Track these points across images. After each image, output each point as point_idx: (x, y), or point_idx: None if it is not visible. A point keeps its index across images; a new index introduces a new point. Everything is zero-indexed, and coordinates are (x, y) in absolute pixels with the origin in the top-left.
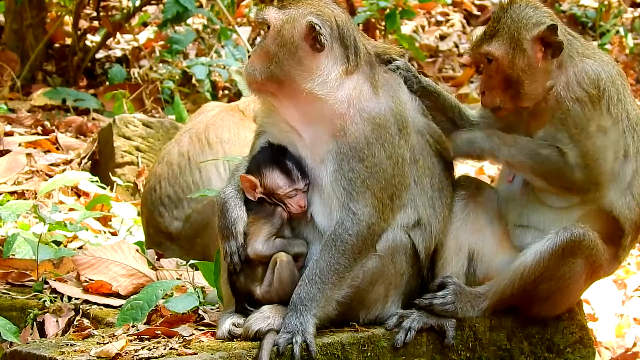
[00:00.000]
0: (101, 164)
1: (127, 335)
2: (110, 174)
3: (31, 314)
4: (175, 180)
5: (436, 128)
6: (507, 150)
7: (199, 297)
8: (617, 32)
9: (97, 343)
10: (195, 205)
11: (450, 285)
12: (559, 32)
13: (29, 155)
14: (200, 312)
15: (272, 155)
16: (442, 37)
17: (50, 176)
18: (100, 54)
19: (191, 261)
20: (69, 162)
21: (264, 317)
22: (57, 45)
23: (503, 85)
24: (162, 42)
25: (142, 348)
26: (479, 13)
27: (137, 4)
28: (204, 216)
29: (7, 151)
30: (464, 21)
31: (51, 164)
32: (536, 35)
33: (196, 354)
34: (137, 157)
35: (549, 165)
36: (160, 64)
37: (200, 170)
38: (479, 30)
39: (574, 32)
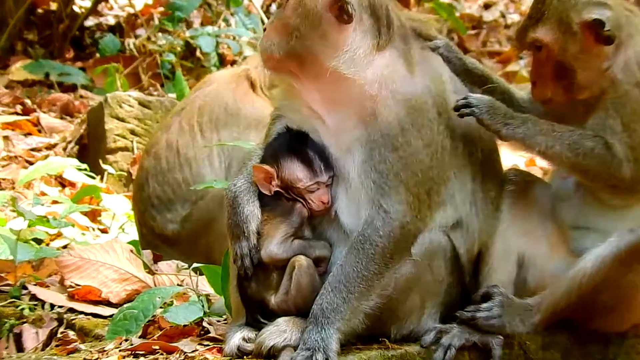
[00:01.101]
0: (90, 149)
1: (119, 351)
2: (100, 161)
3: (7, 324)
4: (164, 178)
5: None
6: (543, 140)
7: (203, 306)
8: None
9: (84, 359)
10: (192, 205)
11: (496, 296)
12: (615, 8)
13: (6, 138)
14: (204, 324)
15: (291, 143)
16: (487, 6)
17: (31, 163)
18: (90, 22)
19: (194, 265)
20: (53, 146)
21: (280, 331)
22: (40, 10)
23: (555, 75)
24: (161, 9)
25: None
26: None
27: None
28: (208, 212)
29: None
30: None
31: (32, 149)
32: (586, 19)
33: None
34: (131, 141)
35: (592, 159)
36: (160, 34)
37: (190, 165)
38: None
39: (633, 7)
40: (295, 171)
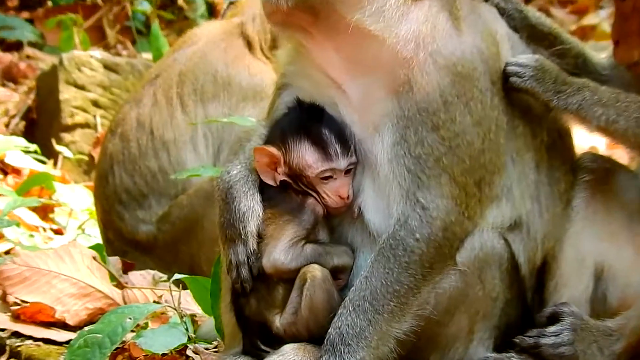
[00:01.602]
0: (40, 125)
1: None
2: (53, 141)
3: None
4: (134, 167)
5: None
6: (604, 112)
7: (187, 329)
8: None
9: None
10: (171, 200)
11: (566, 317)
12: None
13: None
14: (189, 352)
15: (303, 120)
16: None
17: None
18: None
19: (175, 276)
20: None
21: None
22: None
23: None
24: None
25: None
26: None
27: None
28: (192, 210)
29: None
30: None
31: None
32: None
33: None
34: (94, 116)
35: None
36: None
37: (168, 149)
38: None
39: None
40: (305, 155)
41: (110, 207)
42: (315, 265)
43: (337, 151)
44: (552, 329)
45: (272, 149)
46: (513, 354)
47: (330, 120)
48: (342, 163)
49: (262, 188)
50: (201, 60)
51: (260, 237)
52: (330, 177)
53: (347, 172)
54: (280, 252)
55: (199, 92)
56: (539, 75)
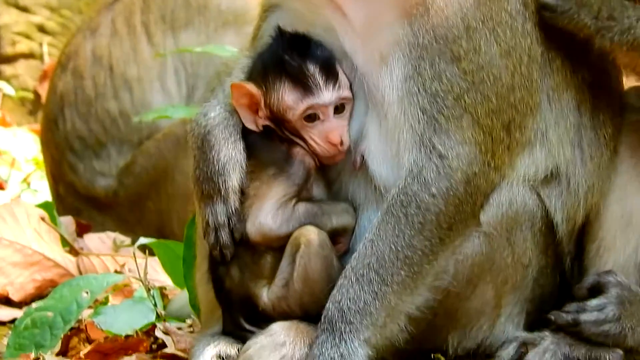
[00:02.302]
0: None
1: None
2: None
3: None
4: (89, 109)
5: None
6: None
7: (155, 305)
8: None
9: None
10: (134, 148)
11: (612, 288)
12: None
13: None
14: (158, 333)
15: (283, 52)
16: None
17: None
18: None
19: (141, 240)
20: None
21: (275, 344)
22: None
23: None
24: None
25: None
26: None
27: None
28: (160, 159)
29: None
30: None
31: None
32: None
33: None
34: (40, 44)
35: None
36: None
37: (131, 88)
38: None
39: None
40: (284, 95)
41: (61, 157)
42: (310, 227)
43: (319, 83)
44: (594, 302)
45: (252, 87)
46: (547, 333)
47: (317, 49)
48: (325, 96)
49: (245, 133)
50: None
51: (243, 193)
52: (316, 117)
53: (337, 111)
54: (267, 215)
55: (168, 18)
56: (575, 9)
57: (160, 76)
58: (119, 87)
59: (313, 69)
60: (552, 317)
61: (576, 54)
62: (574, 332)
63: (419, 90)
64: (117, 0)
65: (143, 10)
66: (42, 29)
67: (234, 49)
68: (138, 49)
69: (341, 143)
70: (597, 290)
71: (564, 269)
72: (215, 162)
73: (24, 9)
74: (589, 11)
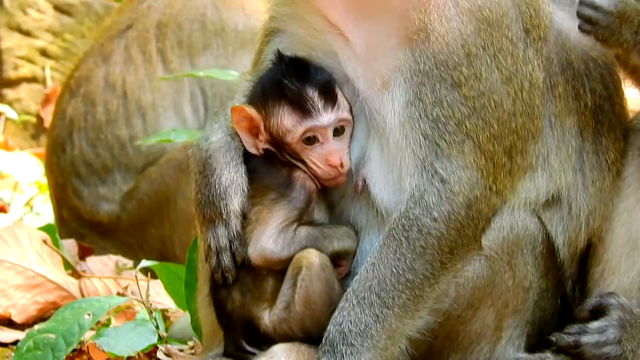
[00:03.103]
0: None
1: None
2: None
3: None
4: (99, 135)
5: None
6: None
7: (157, 327)
8: None
9: None
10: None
11: (613, 311)
12: None
13: None
14: (160, 354)
15: (282, 76)
16: None
17: None
18: None
19: (143, 263)
20: None
21: None
22: None
23: None
24: None
25: None
26: None
27: None
28: (163, 184)
29: None
30: None
31: None
32: None
33: None
34: (43, 68)
35: None
36: None
37: (144, 115)
38: None
39: None
40: (283, 119)
41: (66, 182)
42: (312, 250)
43: (318, 106)
44: (595, 324)
45: (251, 111)
46: (549, 354)
47: (316, 73)
48: (324, 119)
49: (247, 157)
50: (184, 5)
51: (245, 218)
52: (315, 140)
53: (337, 133)
54: (269, 240)
55: (185, 44)
56: (617, 23)
57: (175, 103)
58: (132, 113)
59: (312, 92)
60: (554, 339)
61: (579, 79)
62: (575, 353)
63: (420, 115)
64: (130, 27)
65: (158, 37)
66: (44, 53)
67: (234, 73)
68: (154, 76)
69: (341, 165)
70: (598, 312)
71: (565, 292)
72: (217, 186)
73: (27, 33)
74: (630, 26)
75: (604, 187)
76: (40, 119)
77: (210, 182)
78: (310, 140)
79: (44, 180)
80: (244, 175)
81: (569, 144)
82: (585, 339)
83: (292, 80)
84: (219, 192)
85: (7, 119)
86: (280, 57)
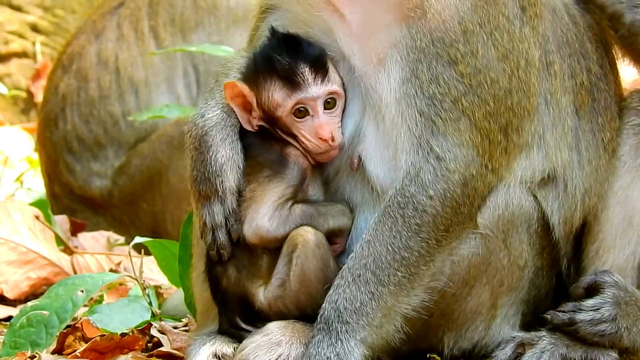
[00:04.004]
0: None
1: None
2: None
3: None
4: (91, 111)
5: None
6: None
7: (150, 304)
8: None
9: None
10: (130, 149)
11: (608, 288)
12: None
13: None
14: (153, 331)
15: (274, 52)
16: None
17: None
18: None
19: (136, 239)
20: None
21: (271, 344)
22: None
23: None
24: None
25: None
26: None
27: None
28: (155, 159)
29: None
30: None
31: None
32: None
33: None
34: (33, 43)
35: None
36: None
37: (137, 91)
38: None
39: None
40: (274, 93)
41: (58, 157)
42: (307, 228)
43: (308, 78)
44: (590, 302)
45: (244, 87)
46: (544, 333)
47: (307, 47)
48: (313, 90)
49: (242, 134)
50: None
51: (240, 194)
52: (306, 112)
53: (328, 105)
54: (264, 218)
55: (177, 21)
56: None
57: (168, 79)
58: (125, 90)
59: (302, 66)
60: (549, 317)
61: (574, 57)
62: (570, 331)
63: (416, 92)
64: (122, 5)
65: (150, 15)
66: (35, 28)
67: (228, 49)
68: (146, 53)
69: (332, 139)
70: (593, 290)
71: (560, 271)
72: (212, 163)
73: (17, 8)
74: None
75: (600, 165)
76: (30, 94)
77: (206, 158)
78: (300, 112)
79: (35, 156)
80: (239, 152)
81: (564, 122)
82: (580, 316)
83: (282, 55)
84: (214, 169)
85: None
86: (273, 33)
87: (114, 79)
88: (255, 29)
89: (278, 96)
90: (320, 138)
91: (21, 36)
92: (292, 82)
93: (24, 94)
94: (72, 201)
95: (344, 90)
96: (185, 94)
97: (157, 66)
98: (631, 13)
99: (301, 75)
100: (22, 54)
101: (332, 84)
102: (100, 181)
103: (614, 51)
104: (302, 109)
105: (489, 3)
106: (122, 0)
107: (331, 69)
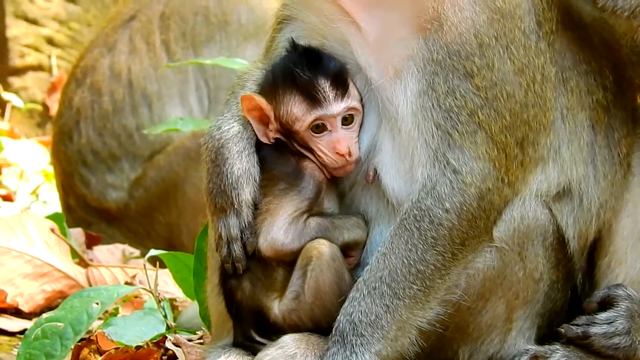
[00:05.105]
0: None
1: None
2: (0, 87)
3: None
4: (105, 124)
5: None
6: None
7: (165, 317)
8: None
9: None
10: (146, 162)
11: (621, 302)
12: None
13: None
14: (168, 344)
15: (293, 65)
16: None
17: None
18: None
19: (151, 252)
20: None
21: (286, 357)
22: None
23: None
24: None
25: None
26: None
27: None
28: (171, 172)
29: None
30: None
31: None
32: None
33: None
34: (49, 56)
35: None
36: None
37: (151, 104)
38: None
39: None
40: (293, 108)
41: (73, 170)
42: (322, 240)
43: (327, 94)
44: (604, 315)
45: (261, 100)
46: (558, 346)
47: (328, 62)
48: (333, 108)
49: (259, 147)
50: None
51: (256, 208)
52: (324, 128)
53: (346, 122)
54: (279, 231)
55: (188, 36)
56: None
57: (181, 93)
58: (138, 102)
59: (323, 81)
60: (562, 330)
61: (591, 74)
62: (584, 344)
63: (433, 105)
64: (134, 18)
65: (161, 29)
66: (50, 41)
67: (243, 61)
68: (159, 66)
69: (349, 154)
70: (607, 303)
71: (575, 284)
72: (228, 176)
73: (33, 22)
74: None
75: (616, 180)
76: (46, 107)
77: (222, 171)
78: (318, 128)
79: (50, 169)
80: (256, 164)
81: (580, 137)
82: (594, 330)
83: (303, 69)
84: (230, 181)
85: (13, 107)
86: (294, 46)
87: (127, 92)
88: (271, 40)
89: (297, 111)
90: (338, 153)
91: (37, 49)
92: (313, 98)
93: (39, 107)
94: (87, 214)
95: (362, 105)
96: (197, 107)
97: (169, 79)
98: None
99: (322, 91)
100: (38, 67)
101: (352, 100)
102: (116, 193)
103: (629, 68)
104: (320, 124)
105: (505, 17)
106: (134, 14)
107: (351, 84)
